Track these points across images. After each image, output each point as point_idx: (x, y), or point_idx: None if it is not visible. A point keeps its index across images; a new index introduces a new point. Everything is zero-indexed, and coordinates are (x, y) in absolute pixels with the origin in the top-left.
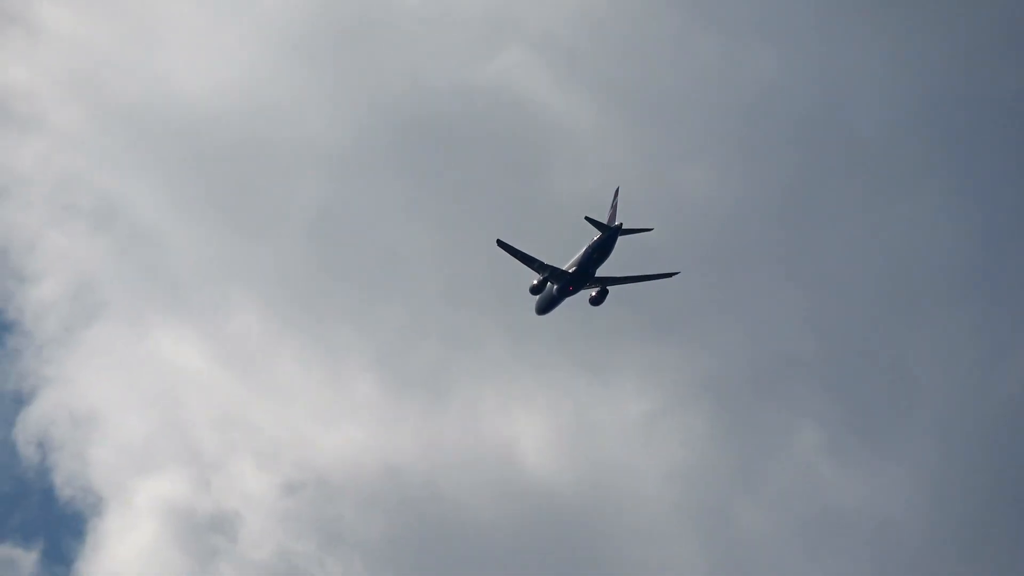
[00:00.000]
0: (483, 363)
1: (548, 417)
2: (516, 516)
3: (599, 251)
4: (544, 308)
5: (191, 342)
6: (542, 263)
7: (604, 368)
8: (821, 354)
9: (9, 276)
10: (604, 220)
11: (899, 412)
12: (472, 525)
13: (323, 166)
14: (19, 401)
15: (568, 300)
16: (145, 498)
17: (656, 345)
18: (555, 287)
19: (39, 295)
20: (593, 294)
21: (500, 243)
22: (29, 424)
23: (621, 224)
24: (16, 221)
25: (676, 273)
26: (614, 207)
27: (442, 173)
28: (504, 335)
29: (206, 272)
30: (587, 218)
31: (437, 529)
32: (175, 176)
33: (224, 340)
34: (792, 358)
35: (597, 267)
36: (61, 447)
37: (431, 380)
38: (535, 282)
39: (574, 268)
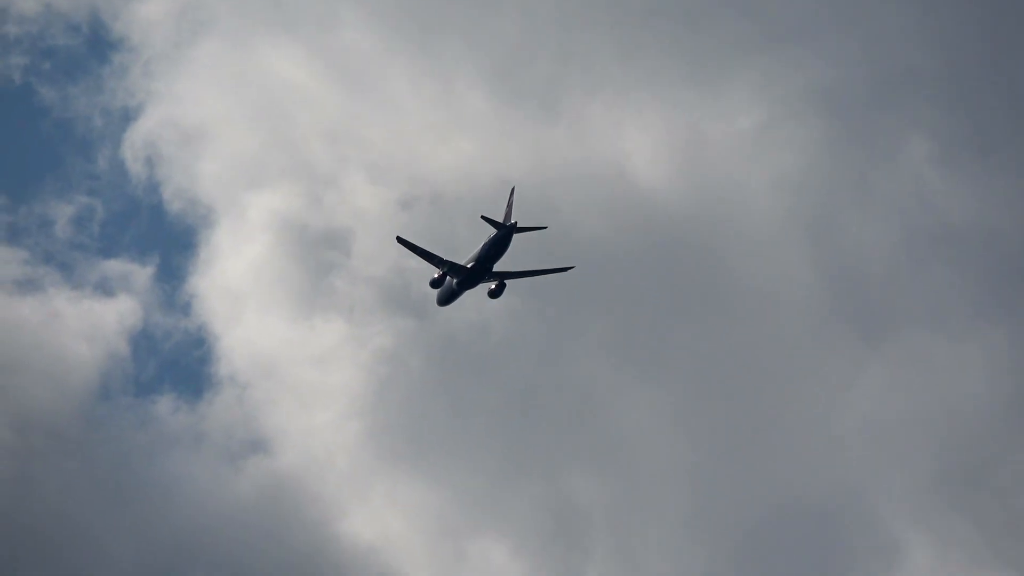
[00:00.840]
0: (595, 78)
1: (659, 131)
2: (627, 230)
3: (496, 248)
4: (445, 300)
5: (299, 58)
6: (441, 258)
7: (716, 80)
8: (936, 67)
9: None
10: (500, 219)
11: (1012, 127)
12: (585, 242)
13: None
14: (127, 117)
15: (468, 292)
16: (256, 212)
17: (768, 56)
18: (455, 281)
19: (146, 11)
20: (492, 287)
21: (400, 240)
22: (137, 140)
23: (516, 222)
24: None
25: (571, 267)
26: (510, 205)
27: None
28: (616, 50)
29: None
30: (483, 217)
31: (549, 241)
32: None
33: (333, 55)
34: (907, 70)
35: (495, 263)
36: (170, 162)
37: (543, 95)
38: (435, 276)
39: (473, 263)
